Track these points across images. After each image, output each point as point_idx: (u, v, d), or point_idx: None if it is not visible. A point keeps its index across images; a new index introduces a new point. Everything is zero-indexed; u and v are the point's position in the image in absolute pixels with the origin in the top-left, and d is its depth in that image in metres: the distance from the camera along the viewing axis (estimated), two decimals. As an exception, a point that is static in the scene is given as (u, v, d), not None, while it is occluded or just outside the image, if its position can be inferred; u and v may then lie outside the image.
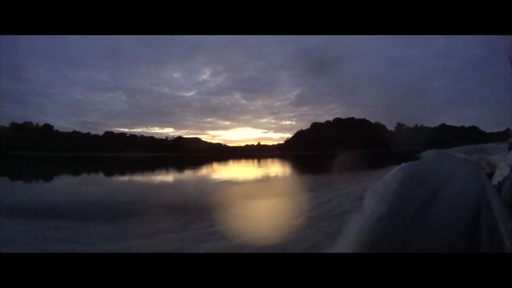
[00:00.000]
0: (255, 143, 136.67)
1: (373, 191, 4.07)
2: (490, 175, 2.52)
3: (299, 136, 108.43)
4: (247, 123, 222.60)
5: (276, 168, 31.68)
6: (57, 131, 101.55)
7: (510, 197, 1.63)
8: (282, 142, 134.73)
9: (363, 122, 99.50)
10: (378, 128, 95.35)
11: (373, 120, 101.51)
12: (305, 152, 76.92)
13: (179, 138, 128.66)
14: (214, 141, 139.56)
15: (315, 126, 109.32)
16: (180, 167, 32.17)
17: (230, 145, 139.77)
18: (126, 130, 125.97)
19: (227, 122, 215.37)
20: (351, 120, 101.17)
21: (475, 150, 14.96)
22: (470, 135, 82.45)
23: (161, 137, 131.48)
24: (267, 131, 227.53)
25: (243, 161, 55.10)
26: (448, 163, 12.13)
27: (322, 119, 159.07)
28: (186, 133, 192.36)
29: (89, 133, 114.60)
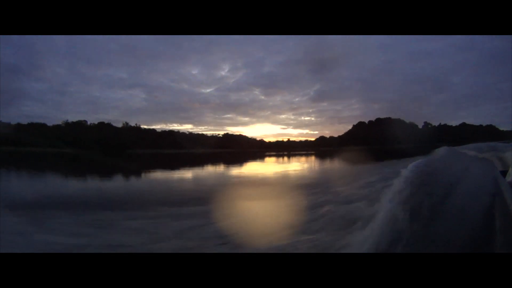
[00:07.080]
0: (285, 139, 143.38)
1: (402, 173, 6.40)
2: (503, 173, 2.23)
3: (348, 134, 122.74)
4: (266, 119, 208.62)
5: (344, 160, 36.48)
6: (138, 127, 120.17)
7: None
8: (306, 138, 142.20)
9: (398, 121, 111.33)
10: (411, 127, 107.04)
11: (407, 120, 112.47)
12: (353, 147, 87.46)
13: (227, 134, 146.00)
14: (257, 138, 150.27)
15: (360, 124, 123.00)
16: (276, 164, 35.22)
17: (273, 140, 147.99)
18: (146, 126, 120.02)
19: (247, 118, 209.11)
20: (388, 119, 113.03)
21: (486, 148, 15.51)
22: (487, 133, 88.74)
23: (206, 134, 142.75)
24: (286, 127, 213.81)
25: (290, 154, 58.93)
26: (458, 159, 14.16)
27: (342, 115, 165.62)
28: (205, 130, 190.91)
29: (171, 131, 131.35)
